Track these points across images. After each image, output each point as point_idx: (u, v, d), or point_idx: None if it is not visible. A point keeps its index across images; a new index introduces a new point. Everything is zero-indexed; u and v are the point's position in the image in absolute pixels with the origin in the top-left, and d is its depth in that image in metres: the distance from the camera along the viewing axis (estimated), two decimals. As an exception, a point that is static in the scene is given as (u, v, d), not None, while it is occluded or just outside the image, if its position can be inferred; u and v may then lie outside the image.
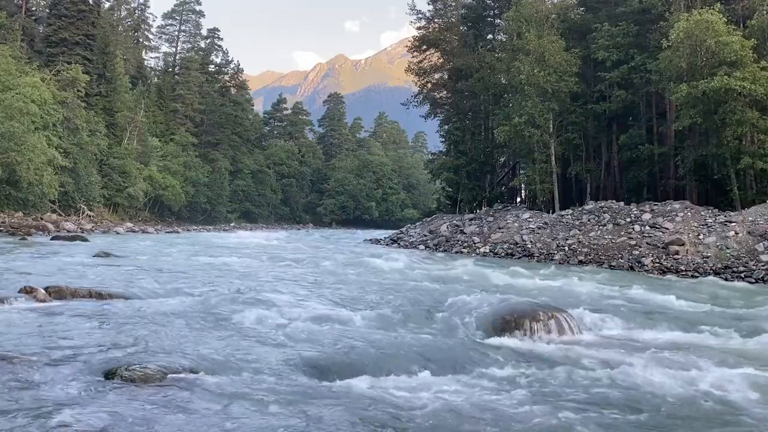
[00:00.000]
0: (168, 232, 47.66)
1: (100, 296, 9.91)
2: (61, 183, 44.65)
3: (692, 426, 5.21)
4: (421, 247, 34.85)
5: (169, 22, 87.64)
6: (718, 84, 25.27)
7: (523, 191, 46.15)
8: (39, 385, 5.23)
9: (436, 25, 51.57)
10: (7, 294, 9.26)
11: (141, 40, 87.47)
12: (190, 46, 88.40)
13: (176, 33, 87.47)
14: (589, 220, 28.98)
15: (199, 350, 6.62)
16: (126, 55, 74.50)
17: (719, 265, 21.73)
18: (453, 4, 51.33)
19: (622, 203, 30.16)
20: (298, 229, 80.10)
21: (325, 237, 52.88)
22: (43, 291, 9.52)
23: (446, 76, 50.28)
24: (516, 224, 32.47)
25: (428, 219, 44.48)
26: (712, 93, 25.85)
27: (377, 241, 41.38)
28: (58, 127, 45.44)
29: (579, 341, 8.42)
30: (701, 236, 24.04)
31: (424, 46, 51.86)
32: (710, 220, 24.90)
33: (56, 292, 9.70)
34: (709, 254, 22.82)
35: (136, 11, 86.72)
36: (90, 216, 48.87)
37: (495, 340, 8.21)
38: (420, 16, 52.12)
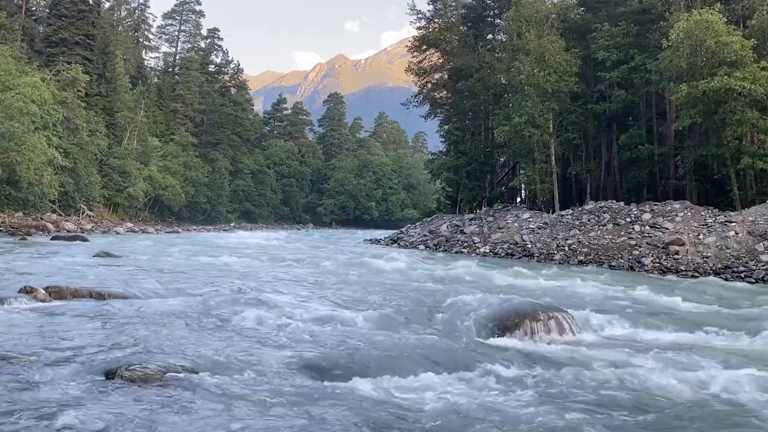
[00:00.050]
0: (168, 232, 47.65)
1: (100, 296, 9.90)
2: (61, 183, 44.65)
3: (699, 427, 5.16)
4: (421, 247, 34.85)
5: (169, 22, 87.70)
6: (718, 84, 25.27)
7: (523, 191, 46.14)
8: (39, 385, 5.21)
9: (436, 25, 51.56)
10: (7, 294, 9.25)
11: (141, 40, 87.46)
12: (190, 46, 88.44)
13: (176, 33, 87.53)
14: (589, 220, 28.97)
15: (200, 350, 6.61)
16: (126, 55, 74.50)
17: (719, 265, 21.73)
18: (453, 4, 51.33)
19: (622, 203, 30.16)
20: (298, 229, 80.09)
21: (325, 237, 52.88)
22: (43, 291, 9.52)
23: (446, 76, 50.27)
24: (516, 224, 32.47)
25: (428, 219, 44.48)
26: (712, 93, 25.85)
27: (377, 241, 41.37)
28: (58, 127, 45.43)
29: (579, 341, 8.42)
30: (701, 236, 24.03)
31: (424, 46, 51.86)
32: (710, 220, 24.90)
33: (56, 292, 9.70)
34: (709, 254, 22.82)
35: (136, 11, 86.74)
36: (90, 216, 48.86)
37: (496, 341, 8.21)
38: (420, 16, 52.19)
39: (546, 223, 30.80)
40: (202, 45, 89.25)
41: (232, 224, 74.35)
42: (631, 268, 23.39)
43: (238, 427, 4.55)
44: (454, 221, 38.00)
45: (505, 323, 8.61)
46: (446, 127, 50.21)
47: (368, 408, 5.17)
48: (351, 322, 8.75)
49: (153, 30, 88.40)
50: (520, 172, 44.73)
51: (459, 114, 47.69)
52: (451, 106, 49.38)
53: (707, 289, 16.40)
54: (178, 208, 68.72)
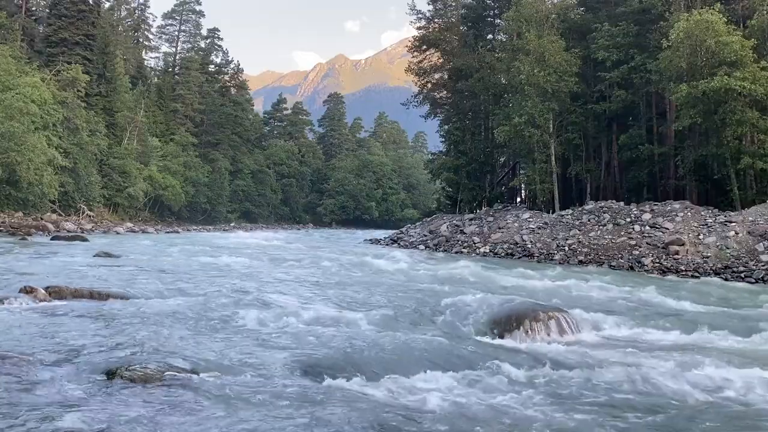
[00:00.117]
0: (168, 232, 47.62)
1: (100, 296, 9.89)
2: (61, 183, 44.63)
3: (706, 428, 5.14)
4: (421, 247, 34.85)
5: (169, 22, 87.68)
6: (718, 84, 25.27)
7: (523, 191, 46.14)
8: (39, 384, 5.20)
9: (436, 25, 51.57)
10: (7, 294, 9.24)
11: (141, 40, 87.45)
12: (190, 46, 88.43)
13: (176, 33, 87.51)
14: (589, 220, 28.97)
15: (200, 351, 6.59)
16: (126, 55, 74.49)
17: (719, 265, 21.73)
18: (453, 4, 51.34)
19: (622, 203, 30.16)
20: (298, 229, 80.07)
21: (325, 237, 52.85)
22: (44, 291, 9.51)
23: (446, 76, 50.28)
24: (516, 224, 32.46)
25: (428, 219, 44.48)
26: (712, 93, 25.85)
27: (377, 242, 41.36)
28: (58, 127, 45.42)
29: (580, 341, 8.43)
30: (701, 236, 24.03)
31: (424, 46, 51.87)
32: (710, 220, 24.89)
33: (56, 292, 9.69)
34: (709, 254, 22.81)
35: (136, 11, 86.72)
36: (90, 216, 48.85)
37: (498, 341, 8.23)
38: (420, 16, 52.20)
39: (546, 223, 30.80)
40: (202, 45, 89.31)
41: (232, 224, 74.33)
42: (631, 268, 23.39)
43: (239, 428, 4.53)
44: (454, 221, 37.99)
45: (507, 324, 8.62)
46: (446, 127, 50.22)
47: (371, 409, 5.15)
48: (353, 323, 8.73)
49: (153, 30, 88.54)
50: (520, 172, 44.74)
51: (459, 114, 47.70)
52: (451, 106, 49.39)
53: (707, 289, 16.41)
54: (178, 208, 68.72)
